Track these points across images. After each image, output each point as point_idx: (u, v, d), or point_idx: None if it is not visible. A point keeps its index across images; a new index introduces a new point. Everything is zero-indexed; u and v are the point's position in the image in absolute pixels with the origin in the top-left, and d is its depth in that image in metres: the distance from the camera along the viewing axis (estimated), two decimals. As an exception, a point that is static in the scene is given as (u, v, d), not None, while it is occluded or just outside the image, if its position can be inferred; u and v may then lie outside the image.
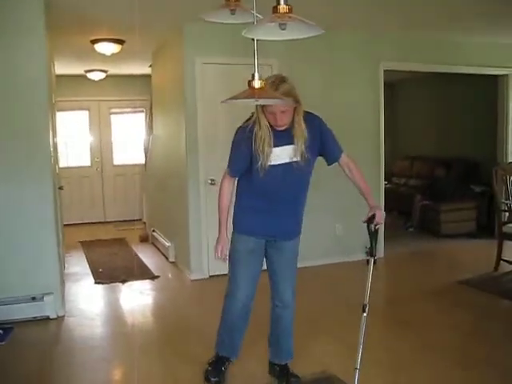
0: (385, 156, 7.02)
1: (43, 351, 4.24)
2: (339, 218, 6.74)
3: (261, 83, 2.14)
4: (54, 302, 4.91)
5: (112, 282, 6.18)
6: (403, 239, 8.10)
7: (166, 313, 5.23)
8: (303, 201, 3.39)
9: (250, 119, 3.12)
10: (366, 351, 3.95)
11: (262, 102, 2.33)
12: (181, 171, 6.31)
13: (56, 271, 5.05)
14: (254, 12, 2.43)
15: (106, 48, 6.84)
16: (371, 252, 3.44)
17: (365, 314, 3.14)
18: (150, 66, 8.27)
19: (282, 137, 3.06)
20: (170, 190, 7.24)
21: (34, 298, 4.83)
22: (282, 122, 3.01)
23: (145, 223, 9.02)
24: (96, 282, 6.22)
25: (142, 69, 8.75)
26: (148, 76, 8.67)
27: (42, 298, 4.84)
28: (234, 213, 3.33)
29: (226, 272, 6.13)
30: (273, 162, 3.07)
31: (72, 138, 10.50)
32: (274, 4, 2.05)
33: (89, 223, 10.32)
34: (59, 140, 7.24)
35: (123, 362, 4.05)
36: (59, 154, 7.29)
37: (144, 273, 6.54)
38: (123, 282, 6.18)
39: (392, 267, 6.74)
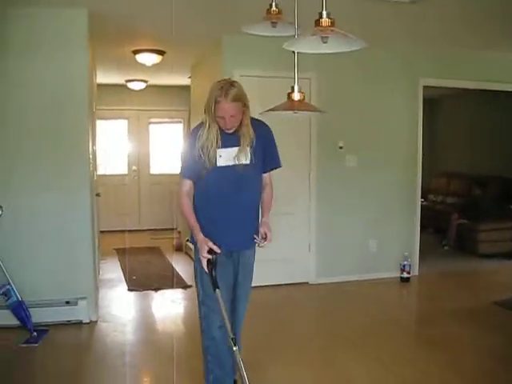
0: (422, 172, 6.94)
1: (75, 354, 4.29)
2: (374, 233, 6.67)
3: (300, 96, 2.15)
4: (88, 306, 4.97)
5: (145, 290, 6.23)
6: (438, 257, 7.96)
7: (197, 322, 5.22)
8: (257, 206, 3.29)
9: (198, 125, 3.12)
10: (395, 370, 3.92)
11: (301, 113, 2.33)
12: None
13: (90, 277, 5.11)
14: (296, 25, 2.44)
15: (147, 58, 6.94)
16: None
17: (235, 348, 2.77)
18: (190, 77, 8.35)
19: (230, 139, 3.04)
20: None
21: (68, 302, 4.90)
22: (231, 125, 3.00)
23: (179, 232, 9.07)
24: (129, 289, 6.28)
25: (182, 80, 8.85)
26: (187, 87, 8.76)
27: (76, 302, 4.90)
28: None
29: (258, 284, 6.16)
30: (219, 164, 3.04)
31: (111, 147, 10.66)
32: (316, 18, 2.06)
33: (124, 231, 10.42)
34: (98, 148, 7.36)
35: (153, 369, 4.07)
36: (98, 162, 7.40)
37: (177, 282, 6.56)
38: (156, 290, 6.23)
39: (426, 286, 6.63)
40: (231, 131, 3.03)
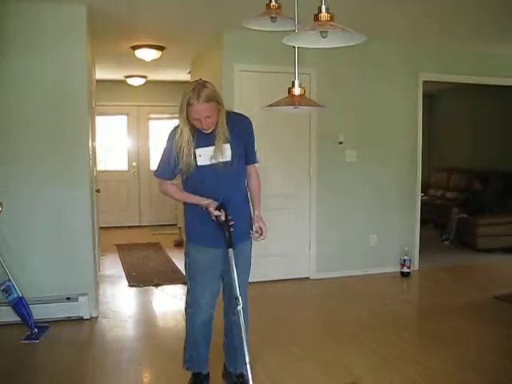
0: (422, 167, 6.94)
1: (76, 350, 4.29)
2: (374, 228, 6.67)
3: (301, 90, 2.15)
4: (88, 302, 4.97)
5: (145, 286, 6.23)
6: (439, 252, 7.97)
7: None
8: (244, 200, 3.33)
9: (176, 126, 3.14)
10: (397, 364, 3.92)
11: (301, 108, 2.32)
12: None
13: (91, 273, 5.12)
14: (296, 20, 2.44)
15: (146, 54, 6.93)
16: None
17: (239, 307, 3.07)
18: (189, 72, 8.34)
19: (205, 138, 3.06)
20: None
21: (68, 298, 4.90)
22: (208, 126, 3.01)
23: (180, 228, 9.07)
24: (130, 285, 6.28)
25: (181, 75, 8.84)
26: (187, 82, 8.74)
27: (77, 298, 4.91)
28: (185, 224, 3.35)
29: (259, 279, 6.17)
30: (199, 163, 3.08)
31: (110, 143, 10.66)
32: (315, 12, 2.05)
33: (124, 227, 10.44)
34: (98, 144, 7.36)
35: (153, 365, 4.07)
36: (98, 158, 7.40)
37: (177, 277, 6.57)
38: (156, 285, 6.23)
39: (427, 280, 6.64)
40: (209, 131, 3.05)
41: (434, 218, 9.15)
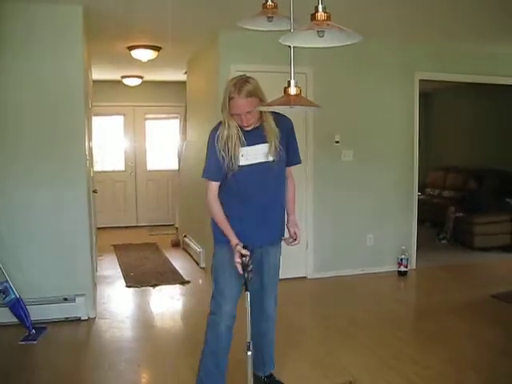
0: (419, 166, 6.94)
1: (74, 351, 4.29)
2: (371, 228, 6.68)
3: (296, 90, 2.15)
4: (86, 303, 4.97)
5: (143, 286, 6.23)
6: (436, 251, 7.98)
7: (195, 318, 5.23)
8: (283, 201, 3.28)
9: (218, 123, 3.09)
10: (394, 364, 3.93)
11: (297, 108, 2.32)
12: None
13: (88, 273, 5.11)
14: (292, 19, 2.44)
15: (143, 54, 6.93)
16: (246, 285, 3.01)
17: (249, 353, 2.86)
18: (185, 72, 8.34)
19: (253, 136, 3.01)
20: (202, 195, 7.24)
21: (66, 299, 4.90)
22: (249, 123, 2.96)
23: (177, 228, 9.08)
24: (127, 286, 6.28)
25: (178, 75, 8.85)
26: (183, 83, 8.75)
27: (74, 299, 4.91)
28: (213, 223, 3.17)
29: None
30: (245, 162, 3.01)
31: (107, 143, 10.65)
32: (312, 12, 2.05)
33: (121, 227, 10.44)
34: (94, 144, 7.35)
35: (151, 365, 4.07)
36: (94, 158, 7.39)
37: (175, 278, 6.57)
38: (154, 286, 6.23)
39: (424, 279, 6.65)
40: (250, 128, 3.00)
41: (430, 217, 9.16)
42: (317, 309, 5.59)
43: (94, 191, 6.33)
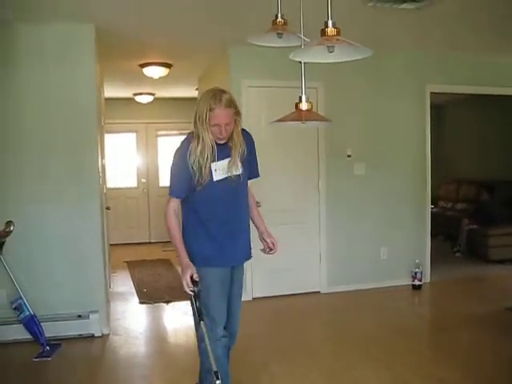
0: (431, 179, 6.92)
1: (88, 368, 4.29)
2: (384, 241, 6.64)
3: (308, 105, 2.16)
4: (99, 320, 4.98)
5: (156, 302, 6.23)
6: (450, 264, 7.91)
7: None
8: (248, 216, 3.22)
9: (185, 139, 3.02)
10: (410, 379, 3.89)
11: (309, 123, 2.33)
12: (225, 193, 6.31)
13: (102, 290, 5.12)
14: (302, 35, 2.45)
15: (154, 72, 6.99)
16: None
17: (218, 382, 2.59)
18: (197, 88, 8.39)
19: (222, 150, 2.96)
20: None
21: (79, 316, 4.91)
22: (227, 134, 2.91)
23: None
24: (140, 302, 6.28)
25: (189, 92, 8.89)
26: (194, 99, 8.79)
27: (88, 316, 4.91)
28: (189, 244, 3.02)
29: (270, 294, 6.14)
30: (217, 177, 2.96)
31: (120, 160, 10.70)
32: (321, 27, 2.06)
33: (134, 243, 10.45)
34: (107, 161, 7.39)
35: (165, 381, 4.06)
36: (107, 176, 7.43)
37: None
38: (167, 302, 6.22)
39: (438, 293, 6.59)
40: (224, 141, 2.96)
41: (444, 230, 9.10)
42: (331, 323, 5.55)
43: (107, 208, 6.37)
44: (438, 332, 5.15)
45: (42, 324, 4.62)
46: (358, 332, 5.03)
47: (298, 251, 6.32)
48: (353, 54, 2.08)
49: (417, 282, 6.47)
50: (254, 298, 6.14)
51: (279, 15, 2.68)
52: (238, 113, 2.94)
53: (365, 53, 2.03)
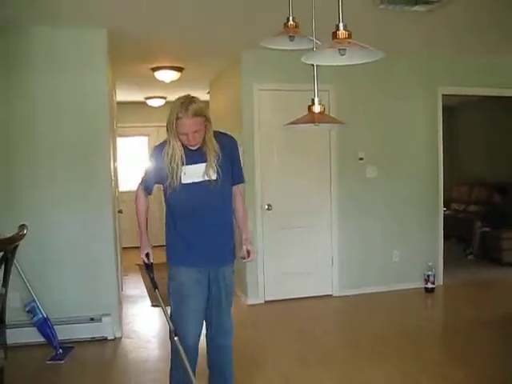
0: (444, 181, 6.89)
1: (100, 371, 4.30)
2: (397, 244, 6.62)
3: (320, 108, 2.16)
4: (112, 323, 4.99)
5: (168, 306, 6.22)
6: (463, 267, 7.88)
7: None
8: (230, 220, 3.25)
9: (164, 141, 3.11)
10: (423, 381, 3.86)
11: (322, 125, 2.33)
12: (237, 196, 6.30)
13: (114, 293, 5.14)
14: (314, 38, 2.45)
15: (166, 75, 7.01)
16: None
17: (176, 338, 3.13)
18: (208, 92, 8.41)
19: (195, 155, 3.03)
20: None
21: (92, 319, 4.93)
22: (196, 141, 2.98)
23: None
24: (152, 305, 6.29)
25: (200, 95, 8.84)
26: (206, 102, 8.82)
27: (101, 319, 4.93)
28: (167, 244, 3.30)
29: (281, 297, 6.14)
30: (186, 181, 3.03)
31: (132, 163, 10.72)
32: (333, 30, 2.06)
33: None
34: (119, 165, 7.42)
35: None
36: (119, 179, 7.46)
37: (199, 296, 6.56)
38: (179, 305, 6.22)
39: (451, 296, 6.55)
40: (195, 147, 3.02)
41: (456, 233, 9.05)
42: (343, 326, 5.54)
43: (120, 211, 6.39)
44: (451, 335, 5.12)
45: (54, 327, 4.65)
46: (371, 335, 5.01)
47: (310, 254, 6.31)
48: (364, 57, 2.08)
49: (429, 285, 6.44)
50: (266, 301, 6.14)
51: (291, 18, 2.68)
52: (207, 119, 2.99)
53: (376, 55, 2.02)
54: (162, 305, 3.25)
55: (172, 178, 3.01)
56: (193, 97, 2.99)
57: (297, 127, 2.76)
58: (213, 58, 6.45)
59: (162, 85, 7.52)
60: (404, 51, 6.16)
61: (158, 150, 3.10)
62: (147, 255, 3.33)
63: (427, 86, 6.67)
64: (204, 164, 3.04)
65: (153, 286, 3.26)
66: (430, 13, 4.61)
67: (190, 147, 3.02)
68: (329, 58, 2.12)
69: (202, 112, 2.93)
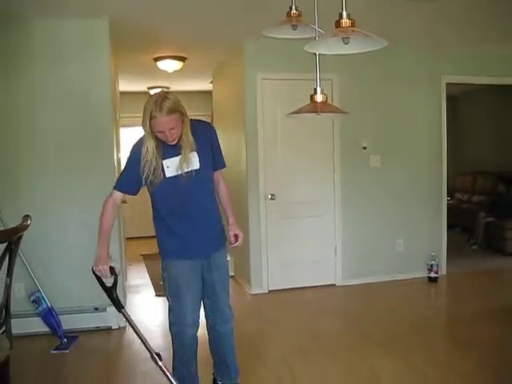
0: (447, 171, 6.87)
1: (105, 360, 4.33)
2: (400, 233, 6.62)
3: (323, 97, 2.15)
4: (116, 312, 4.98)
5: (164, 297, 6.24)
6: (467, 257, 7.88)
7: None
8: (214, 207, 3.26)
9: (141, 137, 3.07)
10: (428, 372, 3.87)
11: (324, 115, 2.32)
12: (241, 186, 6.35)
13: (118, 283, 5.14)
14: (316, 27, 2.44)
15: (169, 65, 7.00)
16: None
17: (160, 363, 3.01)
18: (211, 82, 8.39)
19: (171, 149, 2.99)
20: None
21: (97, 309, 4.95)
22: (173, 138, 2.93)
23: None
24: (157, 295, 6.31)
25: (203, 85, 8.90)
26: (209, 92, 8.81)
27: (105, 308, 4.95)
28: (158, 238, 3.28)
29: (285, 286, 6.15)
30: (169, 174, 3.01)
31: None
32: (336, 19, 2.05)
33: (150, 237, 10.45)
34: (123, 155, 7.42)
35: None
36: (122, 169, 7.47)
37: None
38: (183, 294, 6.24)
39: (455, 285, 6.56)
40: (174, 143, 2.98)
41: (460, 222, 9.05)
42: (347, 316, 5.55)
43: (124, 201, 6.38)
44: (455, 324, 5.13)
45: (59, 317, 4.67)
46: (374, 324, 5.02)
47: (314, 244, 6.32)
48: (368, 46, 2.07)
49: (433, 275, 6.44)
50: (269, 291, 6.16)
51: (293, 7, 2.67)
52: (183, 114, 2.94)
53: (380, 44, 2.01)
54: (135, 326, 3.20)
55: (153, 174, 2.98)
56: (166, 92, 2.97)
57: (299, 116, 2.75)
58: (216, 47, 6.43)
59: (164, 75, 7.51)
60: (407, 40, 6.12)
61: (137, 147, 3.06)
62: (111, 269, 3.11)
63: (431, 75, 6.65)
64: (179, 157, 3.01)
65: (116, 308, 3.14)
66: (434, 1, 4.58)
67: (170, 143, 2.98)
68: (332, 47, 2.11)
69: (176, 108, 2.88)
